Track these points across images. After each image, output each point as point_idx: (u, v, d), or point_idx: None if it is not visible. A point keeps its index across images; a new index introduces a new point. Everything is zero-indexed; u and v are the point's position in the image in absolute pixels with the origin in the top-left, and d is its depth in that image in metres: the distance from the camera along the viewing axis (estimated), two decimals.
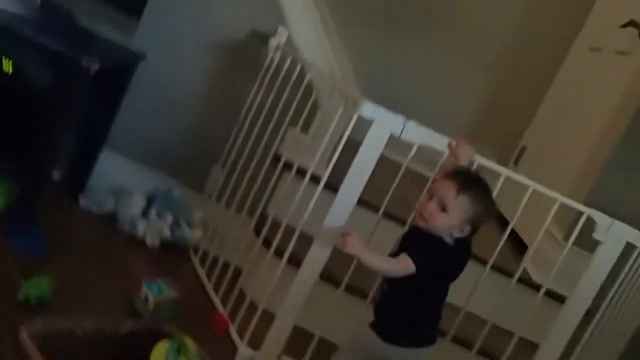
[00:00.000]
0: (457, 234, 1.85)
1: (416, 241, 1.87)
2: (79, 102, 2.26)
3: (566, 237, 2.65)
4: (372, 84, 3.34)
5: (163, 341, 1.73)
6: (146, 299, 2.15)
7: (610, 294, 2.32)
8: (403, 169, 2.16)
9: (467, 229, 1.85)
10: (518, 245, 2.87)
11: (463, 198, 1.82)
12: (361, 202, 2.22)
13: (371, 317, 1.91)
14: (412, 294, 1.88)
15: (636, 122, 2.68)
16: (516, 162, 3.54)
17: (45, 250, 2.23)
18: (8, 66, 2.16)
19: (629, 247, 2.17)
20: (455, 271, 1.91)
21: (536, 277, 2.68)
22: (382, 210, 2.21)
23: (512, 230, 2.28)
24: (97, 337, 1.73)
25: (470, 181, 1.87)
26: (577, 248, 2.25)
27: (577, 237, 2.18)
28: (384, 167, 2.26)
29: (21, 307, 1.95)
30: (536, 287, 2.44)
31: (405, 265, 1.82)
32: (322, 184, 2.17)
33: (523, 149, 3.58)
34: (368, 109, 2.06)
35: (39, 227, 2.29)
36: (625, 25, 2.96)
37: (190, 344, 1.73)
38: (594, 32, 3.44)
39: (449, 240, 1.85)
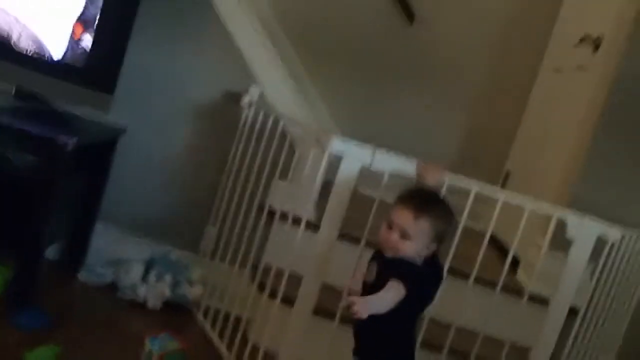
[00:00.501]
0: (424, 253, 1.87)
1: (395, 267, 1.85)
2: (64, 180, 2.36)
3: (551, 246, 2.74)
4: (353, 129, 3.47)
5: None
6: (150, 353, 2.21)
7: (591, 290, 2.40)
8: (376, 202, 2.25)
9: (433, 246, 1.87)
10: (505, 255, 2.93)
11: (422, 222, 1.83)
12: (345, 236, 2.33)
13: (353, 344, 1.94)
14: (387, 317, 1.84)
15: (601, 131, 2.78)
16: (503, 186, 3.62)
17: (46, 323, 2.31)
18: None
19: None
20: (432, 292, 1.93)
21: (531, 288, 2.73)
22: (363, 241, 2.27)
23: (503, 246, 2.34)
24: None
25: (425, 202, 1.88)
26: (560, 253, 2.32)
27: (561, 242, 2.25)
28: (366, 203, 2.32)
29: None
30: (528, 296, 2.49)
31: (399, 291, 1.79)
32: (302, 225, 2.27)
33: (508, 174, 3.67)
34: (337, 144, 2.18)
35: (38, 304, 2.38)
36: (581, 41, 3.10)
37: None
38: (556, 53, 3.57)
39: (419, 261, 1.87)
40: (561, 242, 2.27)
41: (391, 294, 1.80)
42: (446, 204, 1.91)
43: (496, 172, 3.73)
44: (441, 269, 1.96)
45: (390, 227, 1.85)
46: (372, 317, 1.82)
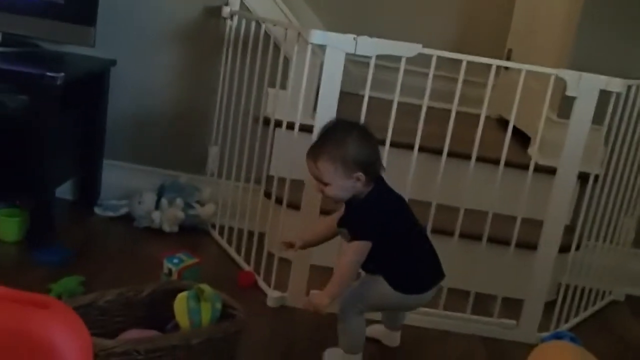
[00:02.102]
0: (359, 187, 1.86)
1: (348, 220, 1.91)
2: (58, 116, 2.37)
3: (560, 115, 2.70)
4: (343, 26, 3.40)
5: (181, 293, 1.82)
6: (169, 271, 2.26)
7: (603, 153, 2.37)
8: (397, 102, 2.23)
9: (359, 175, 1.84)
10: (523, 140, 2.91)
11: (321, 163, 1.84)
12: None
13: None
14: (392, 254, 1.91)
15: None
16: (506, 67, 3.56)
17: (68, 257, 2.36)
18: None
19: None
20: (400, 209, 1.94)
21: (541, 161, 2.72)
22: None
23: (514, 129, 2.31)
24: (120, 305, 1.84)
25: (316, 144, 1.88)
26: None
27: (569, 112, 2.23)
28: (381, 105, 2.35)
29: None
30: (541, 171, 2.48)
31: (358, 250, 1.85)
32: (296, 127, 2.26)
33: (510, 52, 3.60)
34: (317, 35, 2.15)
35: (58, 240, 2.45)
36: None
37: (206, 287, 1.82)
38: None
39: (364, 196, 1.87)
40: (570, 111, 2.24)
41: (349, 265, 1.85)
42: (346, 128, 1.88)
43: (498, 53, 3.66)
44: (389, 191, 1.94)
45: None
46: (379, 266, 1.92)
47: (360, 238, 1.85)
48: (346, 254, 1.87)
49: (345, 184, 1.85)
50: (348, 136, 1.85)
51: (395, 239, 1.91)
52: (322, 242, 2.07)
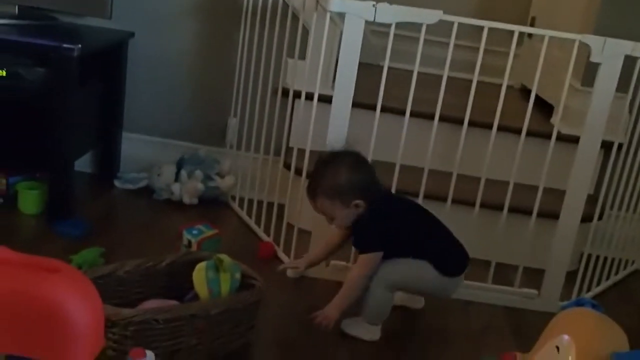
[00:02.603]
0: (361, 211, 1.93)
1: (354, 240, 2.00)
2: (76, 89, 2.37)
3: (583, 83, 2.65)
4: None
5: (200, 263, 1.82)
6: (189, 243, 2.26)
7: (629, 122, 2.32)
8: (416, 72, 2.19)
9: (357, 203, 1.91)
10: (546, 110, 2.87)
11: (319, 202, 1.93)
12: (361, 104, 2.30)
13: None
14: (388, 256, 1.95)
15: None
16: (530, 35, 3.50)
17: (88, 230, 2.37)
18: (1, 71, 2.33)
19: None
20: (406, 221, 2.00)
21: (565, 130, 2.67)
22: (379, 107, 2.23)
23: (539, 100, 2.28)
24: (140, 275, 1.84)
25: (308, 186, 1.96)
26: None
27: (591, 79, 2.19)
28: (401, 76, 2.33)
29: None
30: (564, 140, 2.43)
31: (365, 264, 1.93)
32: (315, 97, 2.23)
33: (533, 19, 3.55)
34: (336, 3, 2.11)
35: (78, 213, 2.45)
36: None
37: (225, 257, 1.82)
38: None
39: (364, 214, 1.93)
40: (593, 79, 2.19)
41: (356, 274, 1.93)
42: (336, 160, 1.94)
43: (522, 22, 3.60)
44: (389, 199, 2.03)
45: None
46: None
47: (365, 251, 1.93)
48: (355, 269, 1.96)
49: (347, 213, 1.93)
50: (338, 169, 1.92)
51: (408, 237, 1.97)
52: (326, 259, 2.18)
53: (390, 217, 1.97)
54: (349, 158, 1.95)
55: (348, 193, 1.89)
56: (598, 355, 1.33)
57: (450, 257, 2.00)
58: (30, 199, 2.47)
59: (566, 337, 1.36)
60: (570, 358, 1.34)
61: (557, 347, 1.37)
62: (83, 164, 2.80)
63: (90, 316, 0.94)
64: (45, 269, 0.94)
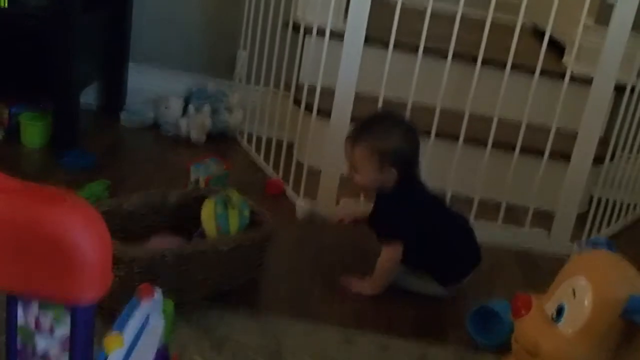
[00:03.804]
0: (388, 184, 1.82)
1: (376, 220, 1.91)
2: (80, 15, 2.31)
3: (597, 21, 2.58)
4: None
5: (209, 199, 1.80)
6: (197, 180, 2.23)
7: None
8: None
9: (392, 171, 1.79)
10: (558, 50, 2.80)
11: (358, 148, 1.80)
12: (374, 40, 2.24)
13: None
14: (429, 249, 1.88)
15: None
16: None
17: (93, 162, 2.34)
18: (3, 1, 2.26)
19: None
20: (431, 206, 1.91)
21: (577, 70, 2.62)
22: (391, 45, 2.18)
23: (550, 40, 2.22)
24: (147, 209, 1.82)
25: (361, 128, 1.83)
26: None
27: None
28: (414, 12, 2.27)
29: None
30: (577, 80, 2.37)
31: (392, 255, 1.85)
32: (327, 33, 2.17)
33: None
34: None
35: (83, 146, 2.42)
36: None
37: (234, 193, 1.80)
38: None
39: (390, 191, 1.83)
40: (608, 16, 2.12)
41: (391, 262, 1.85)
42: (392, 122, 1.84)
43: None
44: (420, 189, 1.90)
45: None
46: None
47: (389, 239, 1.86)
48: (383, 258, 1.87)
49: (376, 176, 1.82)
50: (394, 130, 1.82)
51: (428, 236, 1.87)
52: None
53: (414, 205, 1.88)
54: (407, 126, 1.87)
55: (390, 158, 1.79)
56: (615, 298, 1.30)
57: (450, 271, 1.93)
58: (34, 132, 2.42)
59: (582, 278, 1.34)
60: (586, 300, 1.32)
61: (573, 290, 1.35)
62: (88, 97, 2.75)
63: (99, 248, 0.89)
64: (51, 199, 0.88)
